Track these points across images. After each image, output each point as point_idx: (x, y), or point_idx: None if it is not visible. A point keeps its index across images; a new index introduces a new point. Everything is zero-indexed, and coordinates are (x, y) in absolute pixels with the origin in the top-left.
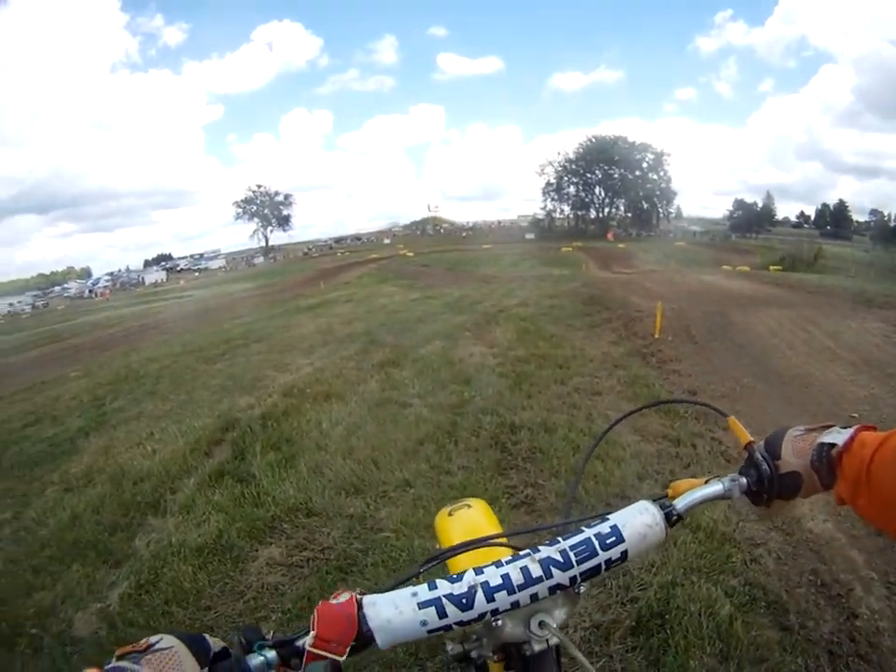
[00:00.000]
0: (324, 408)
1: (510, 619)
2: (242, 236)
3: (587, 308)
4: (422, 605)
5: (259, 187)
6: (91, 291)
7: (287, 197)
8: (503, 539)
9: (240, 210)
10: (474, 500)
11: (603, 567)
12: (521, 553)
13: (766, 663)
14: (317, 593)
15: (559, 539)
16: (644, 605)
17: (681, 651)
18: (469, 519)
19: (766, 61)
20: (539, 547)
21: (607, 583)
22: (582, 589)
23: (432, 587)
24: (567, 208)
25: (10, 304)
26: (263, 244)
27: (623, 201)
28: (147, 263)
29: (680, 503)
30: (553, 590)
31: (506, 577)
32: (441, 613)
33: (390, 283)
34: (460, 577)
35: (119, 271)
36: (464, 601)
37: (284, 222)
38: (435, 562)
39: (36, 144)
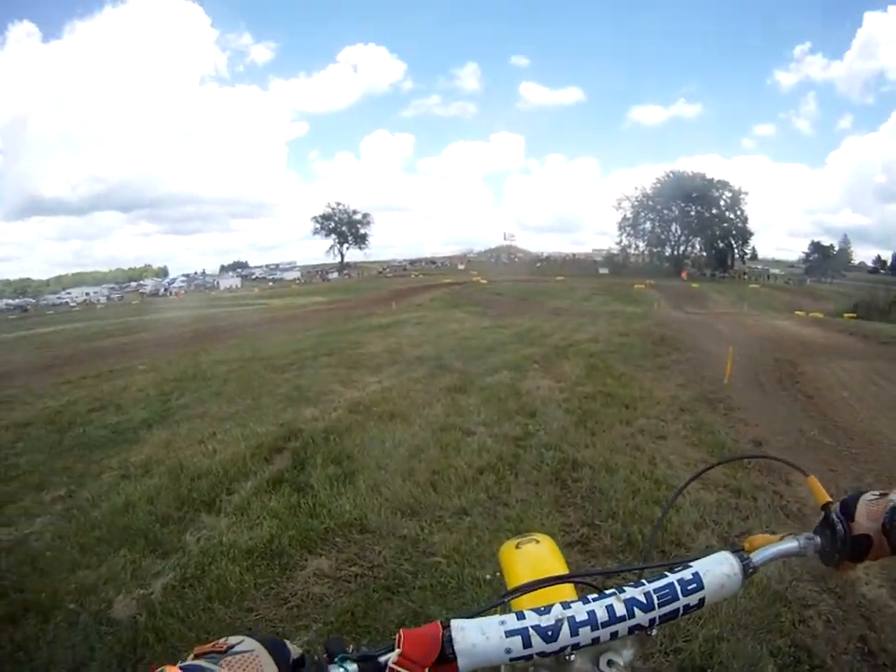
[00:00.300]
0: (388, 427)
1: (581, 655)
2: (318, 251)
3: (657, 348)
4: (509, 633)
5: (339, 204)
6: (166, 290)
7: (365, 216)
8: (589, 578)
9: (318, 225)
10: (541, 536)
11: (681, 611)
12: (607, 591)
13: None
14: (361, 609)
15: (643, 581)
16: (687, 657)
17: None
18: (538, 554)
19: (845, 96)
20: (625, 588)
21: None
22: (655, 632)
23: (520, 617)
24: (641, 244)
25: (87, 294)
26: (339, 259)
27: (699, 239)
28: (223, 269)
29: (757, 556)
30: (632, 630)
31: (591, 613)
32: (527, 643)
33: (462, 309)
34: (548, 609)
35: (195, 273)
36: (549, 633)
37: (360, 240)
38: (519, 593)
39: (124, 147)
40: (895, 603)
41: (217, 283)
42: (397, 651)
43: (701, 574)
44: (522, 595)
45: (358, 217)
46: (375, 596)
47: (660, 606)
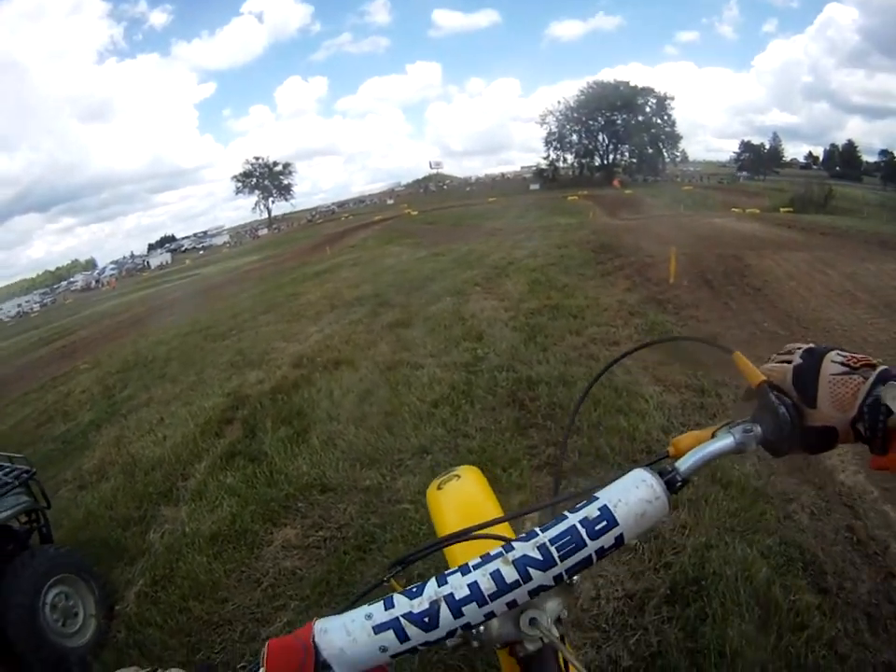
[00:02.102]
0: (334, 376)
1: (499, 618)
2: (244, 210)
3: (598, 256)
4: (377, 629)
5: (257, 159)
6: (97, 282)
7: (286, 166)
8: (497, 527)
9: (240, 184)
10: (465, 469)
11: (594, 557)
12: (491, 553)
13: (807, 630)
14: (336, 575)
15: (537, 530)
16: (678, 571)
17: (719, 619)
18: (462, 491)
19: (769, 1)
20: (514, 544)
21: (638, 548)
22: (576, 579)
23: (388, 605)
24: (570, 157)
25: (18, 305)
26: (266, 215)
27: (627, 147)
28: (151, 247)
29: (684, 465)
30: (533, 593)
31: (474, 586)
32: (402, 636)
33: (396, 243)
34: (420, 590)
35: (124, 258)
36: (426, 620)
37: (285, 191)
38: (401, 567)
39: (29, 143)
40: (875, 489)
41: (148, 262)
42: (261, 669)
43: (611, 507)
44: (403, 568)
45: (279, 168)
46: (347, 559)
47: (563, 558)
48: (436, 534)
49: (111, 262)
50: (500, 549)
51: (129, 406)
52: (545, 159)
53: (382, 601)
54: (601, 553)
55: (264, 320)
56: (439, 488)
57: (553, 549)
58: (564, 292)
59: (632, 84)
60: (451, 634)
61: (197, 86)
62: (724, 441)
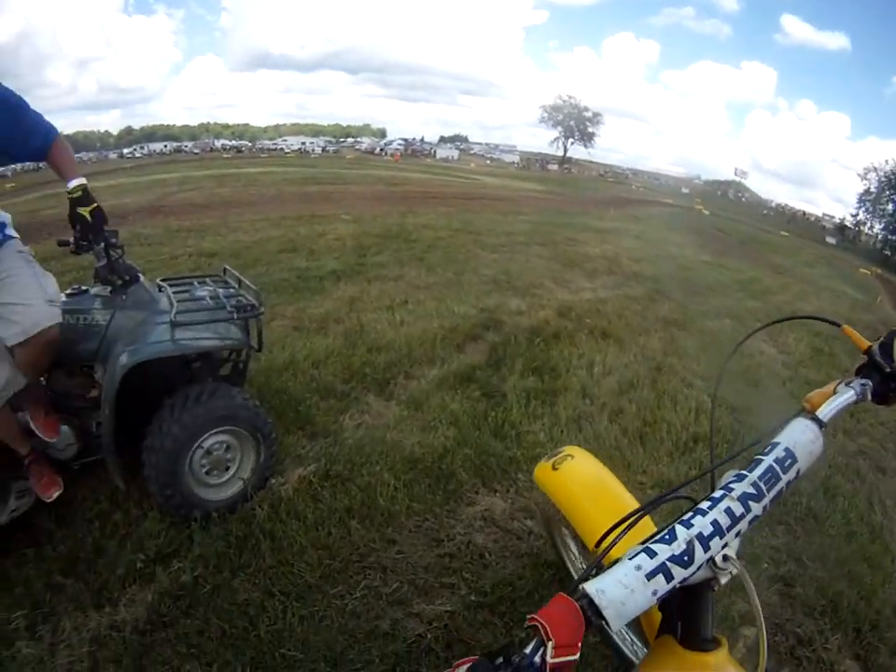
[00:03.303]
0: (599, 347)
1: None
2: (541, 140)
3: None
4: (650, 575)
5: (570, 97)
6: (381, 150)
7: (596, 115)
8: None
9: (546, 115)
10: (572, 448)
11: (784, 489)
12: (716, 495)
13: None
14: (526, 580)
15: (745, 472)
16: None
17: None
18: (581, 469)
19: None
20: (731, 485)
21: None
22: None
23: (651, 554)
24: (878, 226)
25: (302, 143)
26: (561, 153)
27: None
28: (442, 139)
29: (827, 415)
30: (751, 522)
31: (715, 523)
32: (668, 577)
33: (680, 233)
34: (672, 535)
35: (414, 139)
36: (685, 558)
37: (587, 138)
38: (626, 525)
39: (358, 12)
40: None
41: (434, 151)
42: (550, 644)
43: (791, 448)
44: (628, 529)
45: (589, 114)
46: (546, 574)
47: (768, 491)
48: (560, 509)
49: (400, 138)
50: (722, 491)
51: (377, 273)
52: (853, 216)
53: (642, 552)
54: (788, 485)
55: (537, 252)
56: (554, 468)
57: (761, 483)
58: (841, 372)
59: None
60: (699, 567)
61: (530, 10)
62: (848, 394)
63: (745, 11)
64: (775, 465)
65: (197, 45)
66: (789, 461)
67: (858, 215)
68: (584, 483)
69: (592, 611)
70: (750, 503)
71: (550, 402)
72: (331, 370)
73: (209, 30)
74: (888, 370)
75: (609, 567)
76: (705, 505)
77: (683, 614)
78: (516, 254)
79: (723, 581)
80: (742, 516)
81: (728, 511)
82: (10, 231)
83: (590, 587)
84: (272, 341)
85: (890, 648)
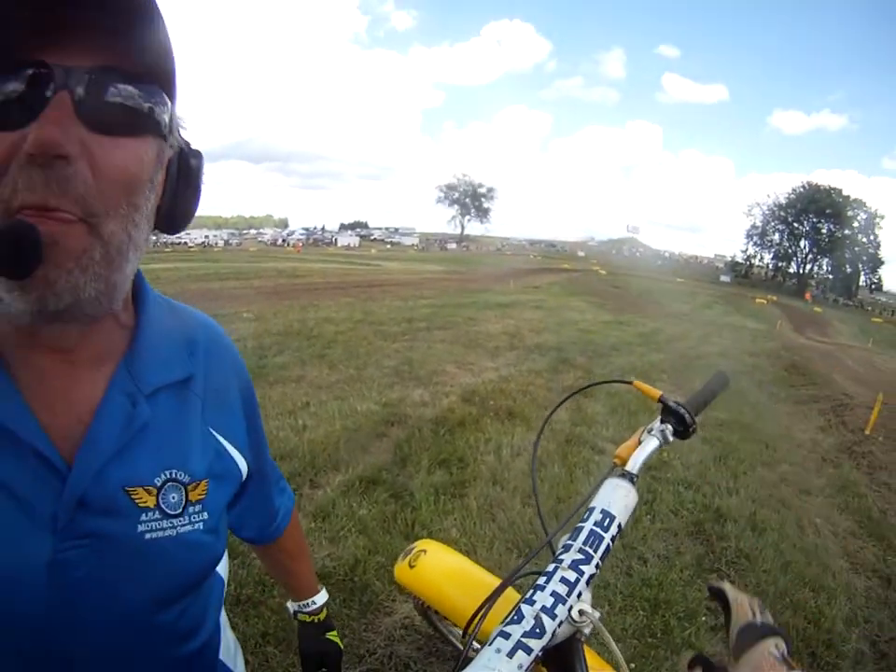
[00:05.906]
0: (506, 428)
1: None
2: (438, 221)
3: (791, 378)
4: (510, 654)
5: (465, 175)
6: (283, 241)
7: (489, 190)
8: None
9: (442, 194)
10: (423, 542)
11: (610, 545)
12: (549, 569)
13: None
14: None
15: (570, 542)
16: None
17: None
18: (439, 561)
19: None
20: (561, 557)
21: None
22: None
23: (506, 636)
24: (767, 256)
25: (205, 236)
26: (458, 230)
27: (827, 260)
28: (343, 227)
29: (635, 467)
30: (587, 582)
31: (554, 593)
32: (527, 650)
33: (580, 298)
34: (520, 614)
35: (315, 228)
36: (537, 630)
37: (483, 214)
38: (485, 611)
39: (260, 103)
40: None
41: (335, 240)
42: None
43: (607, 508)
44: (483, 618)
45: (483, 190)
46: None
47: (595, 551)
48: (426, 605)
49: (302, 228)
50: (553, 564)
51: (278, 375)
52: (743, 251)
53: (498, 636)
54: (613, 538)
55: (439, 336)
56: (411, 566)
57: (587, 547)
58: (755, 411)
59: (845, 193)
60: (553, 634)
61: (428, 91)
62: (654, 443)
63: (630, 75)
64: (595, 528)
65: None
66: (608, 521)
67: (747, 249)
68: (444, 573)
69: None
70: (582, 567)
71: (459, 495)
72: None
73: None
74: (682, 412)
75: (479, 652)
76: (542, 580)
77: (563, 668)
78: (418, 341)
79: (587, 631)
80: (577, 580)
81: (564, 580)
82: None
83: None
84: None
85: (851, 659)
